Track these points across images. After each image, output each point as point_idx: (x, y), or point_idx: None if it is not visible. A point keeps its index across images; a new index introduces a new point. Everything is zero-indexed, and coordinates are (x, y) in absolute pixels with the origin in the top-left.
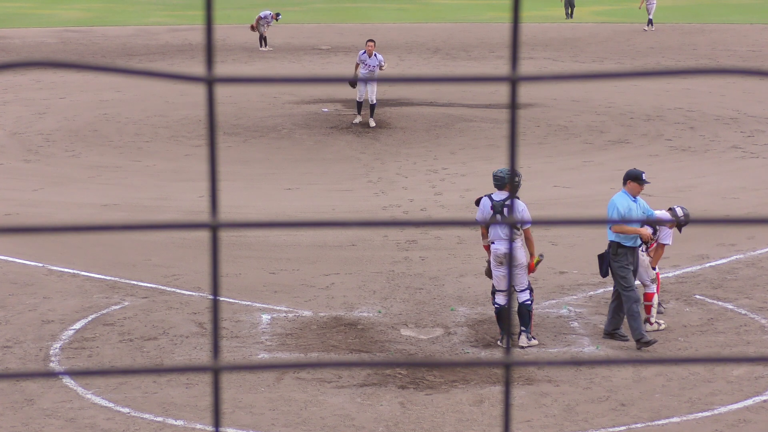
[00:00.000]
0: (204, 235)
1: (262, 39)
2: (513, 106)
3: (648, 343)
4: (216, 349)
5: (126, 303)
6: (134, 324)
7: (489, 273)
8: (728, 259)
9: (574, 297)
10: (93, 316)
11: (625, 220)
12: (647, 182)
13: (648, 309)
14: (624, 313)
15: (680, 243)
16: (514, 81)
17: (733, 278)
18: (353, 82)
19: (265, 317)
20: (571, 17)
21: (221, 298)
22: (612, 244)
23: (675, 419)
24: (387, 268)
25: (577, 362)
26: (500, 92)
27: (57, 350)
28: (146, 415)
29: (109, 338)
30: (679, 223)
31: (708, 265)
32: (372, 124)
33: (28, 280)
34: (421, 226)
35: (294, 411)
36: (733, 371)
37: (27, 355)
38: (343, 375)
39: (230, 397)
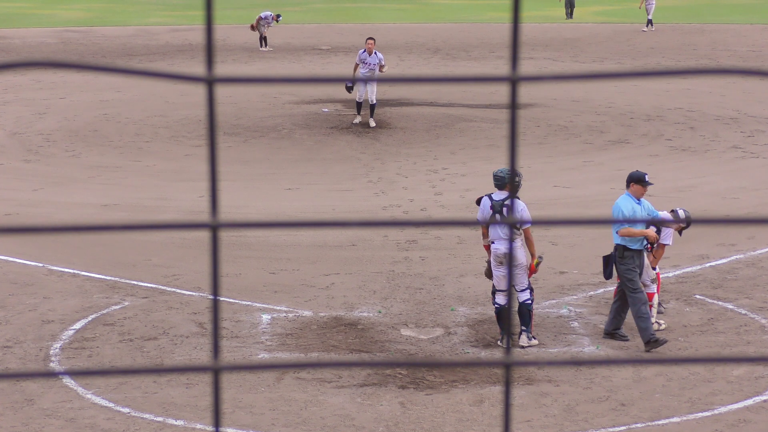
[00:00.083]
0: (204, 235)
1: (262, 39)
2: (513, 106)
3: (658, 343)
4: (216, 349)
5: (126, 303)
6: (134, 324)
7: (489, 273)
8: (728, 259)
9: (574, 297)
10: (93, 316)
11: (628, 220)
12: (650, 183)
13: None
14: (625, 314)
15: (680, 243)
16: (514, 81)
17: (733, 278)
18: (350, 86)
19: (265, 317)
20: (571, 17)
21: (221, 298)
22: (618, 247)
23: (675, 419)
24: (387, 268)
25: (577, 362)
26: (500, 92)
27: (57, 350)
28: (146, 415)
29: (109, 338)
30: (683, 225)
31: (708, 265)
32: (372, 124)
33: (28, 280)
34: (421, 226)
35: (294, 411)
36: (733, 371)
37: (27, 355)
38: (343, 375)
39: (230, 397)
